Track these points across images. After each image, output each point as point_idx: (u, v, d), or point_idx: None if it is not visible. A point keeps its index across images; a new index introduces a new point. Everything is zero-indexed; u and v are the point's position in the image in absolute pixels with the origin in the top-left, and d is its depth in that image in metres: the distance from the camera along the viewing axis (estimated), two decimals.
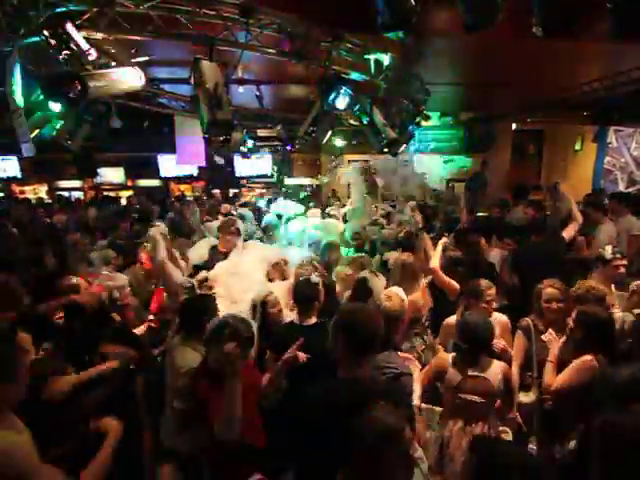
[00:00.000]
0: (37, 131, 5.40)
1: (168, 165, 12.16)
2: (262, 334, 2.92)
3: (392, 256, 4.42)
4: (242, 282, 3.31)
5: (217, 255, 4.31)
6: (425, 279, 3.78)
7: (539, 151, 11.27)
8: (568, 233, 4.18)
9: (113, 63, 4.81)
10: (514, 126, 10.32)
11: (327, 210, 7.76)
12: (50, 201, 11.26)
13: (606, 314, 2.63)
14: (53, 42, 3.89)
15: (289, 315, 3.14)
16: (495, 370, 2.63)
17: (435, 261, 3.74)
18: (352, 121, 7.65)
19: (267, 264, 3.78)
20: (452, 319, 3.29)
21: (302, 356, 2.33)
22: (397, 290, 2.71)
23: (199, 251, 4.58)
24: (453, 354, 2.72)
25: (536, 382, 2.93)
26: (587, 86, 6.81)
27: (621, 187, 11.09)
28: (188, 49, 4.68)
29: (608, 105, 6.99)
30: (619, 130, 10.68)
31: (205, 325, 2.56)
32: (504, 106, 8.92)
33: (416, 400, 2.54)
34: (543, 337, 2.81)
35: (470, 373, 2.58)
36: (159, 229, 3.67)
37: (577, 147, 10.67)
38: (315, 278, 2.96)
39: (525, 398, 2.96)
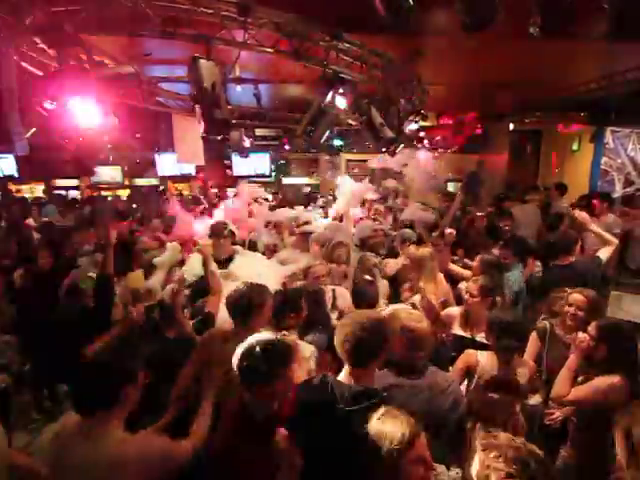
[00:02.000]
0: (33, 130, 5.39)
1: (166, 164, 12.14)
2: None
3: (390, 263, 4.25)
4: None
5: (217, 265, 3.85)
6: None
7: (536, 151, 11.31)
8: (603, 256, 3.79)
9: (110, 61, 4.81)
10: (511, 126, 10.34)
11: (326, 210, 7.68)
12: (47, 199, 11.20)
13: (629, 325, 2.47)
14: (51, 40, 3.89)
15: None
16: (524, 371, 2.60)
17: None
18: (350, 121, 7.65)
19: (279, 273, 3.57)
20: (454, 310, 3.30)
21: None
22: (417, 312, 2.42)
23: (193, 267, 3.90)
24: (480, 352, 2.66)
25: (544, 386, 2.84)
26: (584, 86, 6.83)
27: (617, 188, 11.13)
28: (186, 48, 4.67)
29: (605, 105, 7.02)
30: (616, 131, 10.71)
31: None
32: (502, 106, 8.94)
33: None
34: (569, 337, 2.52)
35: (501, 372, 2.54)
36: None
37: (574, 147, 10.70)
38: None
39: (530, 400, 2.84)
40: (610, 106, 7.16)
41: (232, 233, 4.42)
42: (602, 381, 2.28)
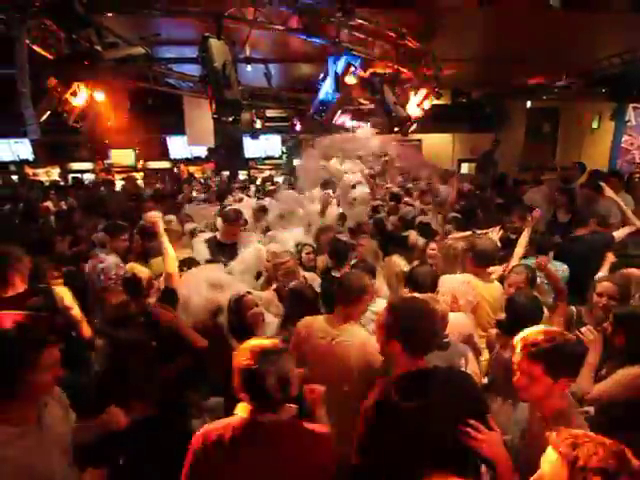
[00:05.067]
0: (48, 113, 5.42)
1: (177, 147, 12.16)
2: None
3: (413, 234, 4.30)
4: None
5: (222, 249, 3.86)
6: None
7: (554, 130, 10.99)
8: (619, 235, 3.72)
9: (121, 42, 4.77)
10: (529, 104, 10.04)
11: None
12: (63, 183, 11.33)
13: None
14: (61, 23, 3.88)
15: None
16: None
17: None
18: (362, 100, 7.52)
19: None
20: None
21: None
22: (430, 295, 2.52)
23: (199, 249, 3.86)
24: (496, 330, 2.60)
25: None
26: (606, 61, 6.58)
27: None
28: (196, 27, 4.62)
29: (627, 81, 6.73)
30: (638, 108, 10.33)
31: None
32: (519, 83, 8.69)
33: None
34: (582, 330, 2.35)
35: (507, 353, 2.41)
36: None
37: (594, 126, 10.35)
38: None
39: None
40: (632, 82, 6.87)
41: (245, 221, 4.45)
42: (625, 373, 2.07)
